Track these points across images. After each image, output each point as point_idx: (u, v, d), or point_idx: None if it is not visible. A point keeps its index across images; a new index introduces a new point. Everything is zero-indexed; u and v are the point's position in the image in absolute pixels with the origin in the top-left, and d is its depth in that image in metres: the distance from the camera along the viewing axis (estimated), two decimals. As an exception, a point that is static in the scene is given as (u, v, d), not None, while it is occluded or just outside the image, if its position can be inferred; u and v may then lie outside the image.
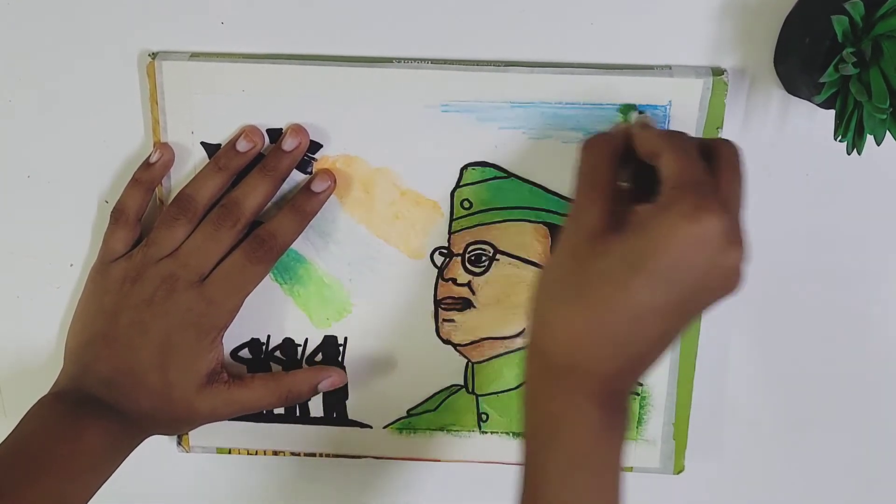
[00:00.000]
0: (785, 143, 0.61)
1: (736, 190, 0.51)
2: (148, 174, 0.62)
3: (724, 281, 0.49)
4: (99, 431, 0.59)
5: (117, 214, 0.63)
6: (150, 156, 0.62)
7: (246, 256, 0.61)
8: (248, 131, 0.61)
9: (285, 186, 0.62)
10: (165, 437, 0.68)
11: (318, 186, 0.62)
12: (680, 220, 0.47)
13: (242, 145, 0.61)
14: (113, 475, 0.60)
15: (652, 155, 0.52)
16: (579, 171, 0.54)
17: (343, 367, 0.67)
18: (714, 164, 0.51)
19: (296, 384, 0.65)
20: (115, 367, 0.61)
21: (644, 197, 0.52)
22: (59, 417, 0.59)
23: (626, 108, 0.60)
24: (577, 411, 0.51)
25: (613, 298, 0.49)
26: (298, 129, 0.61)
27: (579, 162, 0.54)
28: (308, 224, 0.62)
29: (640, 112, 0.60)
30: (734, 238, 0.48)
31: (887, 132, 0.53)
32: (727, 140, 0.53)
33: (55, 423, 0.59)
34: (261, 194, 0.61)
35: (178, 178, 0.63)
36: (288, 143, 0.61)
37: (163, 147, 0.62)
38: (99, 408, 0.60)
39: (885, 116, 0.51)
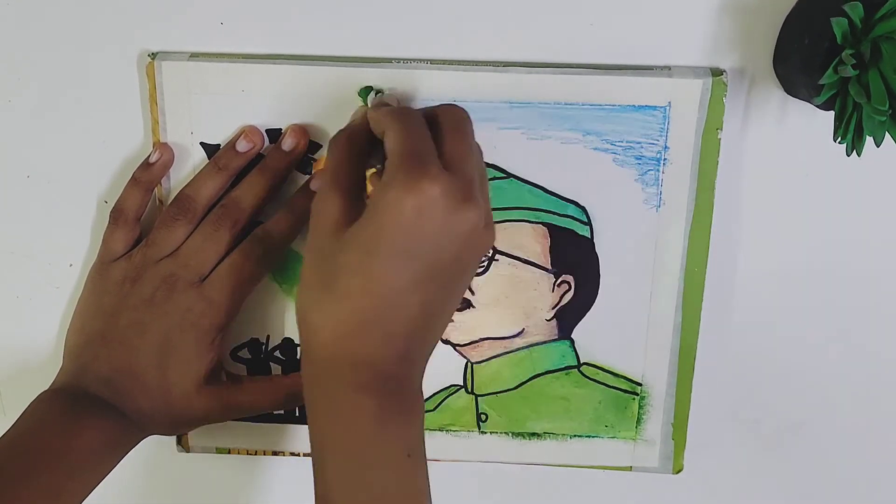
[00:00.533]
0: (785, 144, 0.61)
1: (461, 151, 0.51)
2: (147, 174, 0.62)
3: (469, 241, 0.50)
4: (97, 429, 0.59)
5: (116, 214, 0.63)
6: (149, 156, 0.62)
7: (245, 256, 0.61)
8: (248, 132, 0.61)
9: (286, 187, 0.62)
10: (166, 438, 0.68)
11: (316, 185, 0.62)
12: (400, 194, 0.48)
13: (242, 146, 0.61)
14: (113, 475, 0.60)
15: (381, 134, 0.52)
16: (325, 166, 0.55)
17: None
18: (438, 130, 0.52)
19: (293, 387, 0.65)
20: (113, 366, 0.61)
21: None
22: (57, 414, 0.60)
23: (365, 91, 0.59)
24: (351, 404, 0.51)
25: (361, 285, 0.50)
26: (298, 130, 0.61)
27: (327, 158, 0.55)
28: (304, 223, 0.62)
29: (378, 92, 0.59)
30: (462, 197, 0.48)
31: (886, 134, 0.53)
32: (451, 105, 0.54)
33: (53, 419, 0.59)
34: (259, 194, 0.61)
35: (178, 178, 0.63)
36: (287, 143, 0.61)
37: (162, 147, 0.62)
38: (97, 406, 0.60)
39: (884, 118, 0.51)
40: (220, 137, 0.62)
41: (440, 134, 0.52)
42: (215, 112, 0.61)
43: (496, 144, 0.61)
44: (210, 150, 0.62)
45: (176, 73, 0.60)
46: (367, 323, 0.50)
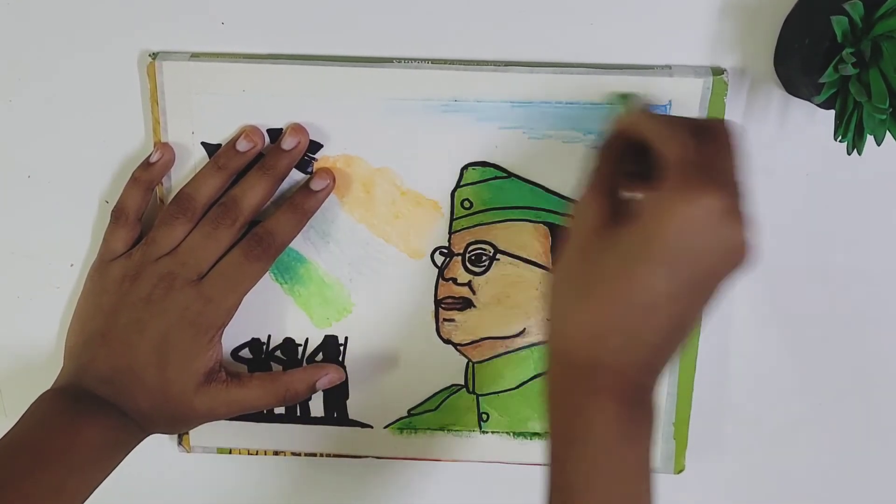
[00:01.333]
0: (785, 143, 0.61)
1: (730, 166, 0.51)
2: (147, 174, 0.62)
3: (730, 257, 0.49)
4: (97, 427, 0.59)
5: (117, 214, 0.63)
6: (150, 155, 0.62)
7: (244, 255, 0.61)
8: (249, 131, 0.61)
9: (286, 186, 0.63)
10: (166, 437, 0.68)
11: (317, 185, 0.62)
12: (673, 203, 0.48)
13: (242, 145, 0.61)
14: (115, 474, 0.60)
15: (647, 141, 0.52)
16: (588, 171, 0.54)
17: (344, 367, 0.67)
18: (708, 143, 0.51)
19: (293, 383, 0.65)
20: (113, 365, 0.61)
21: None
22: (58, 412, 0.60)
23: (622, 97, 0.59)
24: (599, 409, 0.51)
25: (621, 290, 0.49)
26: (298, 129, 0.61)
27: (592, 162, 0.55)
28: (307, 222, 0.62)
29: (630, 97, 0.59)
30: (732, 213, 0.48)
31: (887, 132, 0.53)
32: (720, 119, 0.54)
33: (54, 418, 0.59)
34: (259, 193, 0.61)
35: (179, 177, 0.63)
36: (287, 143, 0.61)
37: (163, 147, 0.62)
38: (98, 405, 0.60)
39: (884, 117, 0.51)
40: (221, 137, 0.62)
41: (710, 147, 0.51)
42: (216, 112, 0.61)
43: (497, 144, 0.61)
44: (211, 149, 0.62)
45: (177, 73, 0.60)
46: (620, 328, 0.50)
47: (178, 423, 0.64)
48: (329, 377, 0.65)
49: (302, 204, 0.62)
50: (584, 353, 0.51)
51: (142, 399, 0.62)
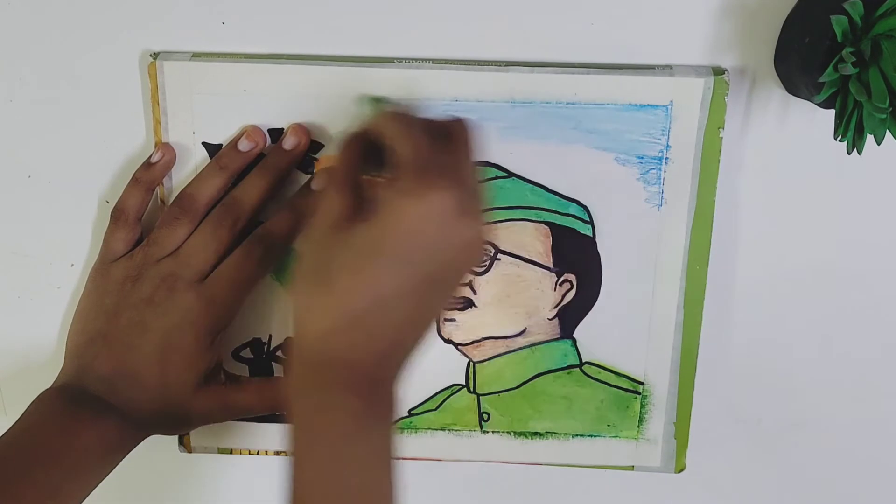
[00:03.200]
0: (785, 143, 0.62)
1: (464, 163, 0.52)
2: (149, 174, 0.62)
3: (464, 254, 0.50)
4: (97, 428, 0.59)
5: (117, 214, 0.63)
6: (151, 155, 0.62)
7: (245, 256, 0.61)
8: (250, 131, 0.61)
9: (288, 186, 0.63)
10: (167, 438, 0.68)
11: (317, 185, 0.62)
12: (406, 200, 0.49)
13: (244, 145, 0.61)
14: (115, 475, 0.60)
15: (384, 139, 0.53)
16: (332, 166, 0.55)
17: None
18: (443, 142, 0.52)
19: None
20: (114, 366, 0.61)
21: None
22: (57, 413, 0.60)
23: (374, 100, 0.60)
24: (335, 404, 0.51)
25: (356, 287, 0.50)
26: (299, 129, 0.61)
27: (336, 157, 0.55)
28: (304, 222, 0.62)
29: (382, 101, 0.60)
30: (465, 210, 0.49)
31: (887, 132, 0.53)
32: (458, 118, 0.54)
33: (53, 418, 0.59)
34: (261, 193, 0.61)
35: (180, 177, 0.63)
36: (288, 142, 0.61)
37: (164, 147, 0.62)
38: (97, 406, 0.60)
39: (884, 116, 0.52)
40: (221, 137, 0.62)
41: (448, 145, 0.52)
42: (217, 112, 0.61)
43: (498, 144, 0.61)
44: (212, 149, 0.62)
45: (178, 72, 0.60)
46: (354, 323, 0.51)
47: (177, 425, 0.64)
48: None
49: (304, 205, 0.62)
50: (320, 348, 0.51)
51: (142, 400, 0.61)
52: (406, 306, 0.51)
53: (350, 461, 0.51)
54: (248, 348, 0.67)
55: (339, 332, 0.51)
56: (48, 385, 0.62)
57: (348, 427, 0.51)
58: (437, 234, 0.49)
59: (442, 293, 0.53)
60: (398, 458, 0.52)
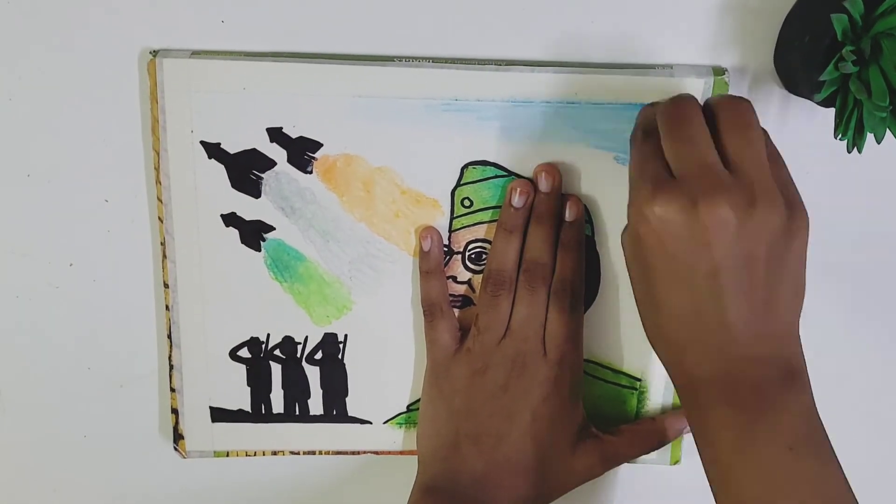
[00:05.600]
0: (785, 142, 0.61)
1: (743, 150, 0.51)
2: (433, 261, 0.63)
3: (776, 238, 0.50)
4: None
5: (431, 308, 0.64)
6: (422, 245, 0.63)
7: (560, 311, 0.62)
8: (518, 185, 0.61)
9: (289, 188, 0.63)
10: (163, 440, 0.68)
11: (570, 216, 0.62)
12: (686, 215, 0.49)
13: (518, 201, 0.62)
14: (112, 481, 0.60)
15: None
16: (638, 166, 0.54)
17: (343, 364, 0.67)
18: (718, 127, 0.52)
19: (662, 432, 0.66)
20: (487, 461, 0.62)
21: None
22: None
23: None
24: (716, 422, 0.52)
25: (670, 302, 0.52)
26: (549, 169, 0.61)
27: (634, 156, 0.55)
28: (583, 250, 0.63)
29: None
30: (749, 201, 0.49)
31: (887, 130, 0.53)
32: (732, 98, 0.53)
33: None
34: (549, 243, 0.62)
35: (180, 177, 0.62)
36: (543, 185, 0.61)
37: (428, 231, 0.63)
38: None
39: (884, 114, 0.52)
40: (220, 136, 0.62)
41: (720, 132, 0.51)
42: (216, 110, 0.61)
43: (497, 143, 0.61)
44: (210, 148, 0.62)
45: (177, 70, 0.60)
46: (688, 340, 0.52)
47: (553, 494, 0.64)
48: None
49: (570, 240, 0.62)
50: (677, 373, 0.54)
51: (520, 484, 0.63)
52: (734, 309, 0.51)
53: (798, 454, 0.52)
54: (246, 347, 0.66)
55: (682, 354, 0.53)
56: (47, 385, 0.62)
57: (734, 440, 0.52)
58: (729, 239, 0.49)
59: (782, 280, 0.52)
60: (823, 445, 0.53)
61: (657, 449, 0.67)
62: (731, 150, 0.51)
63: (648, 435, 0.66)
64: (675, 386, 0.55)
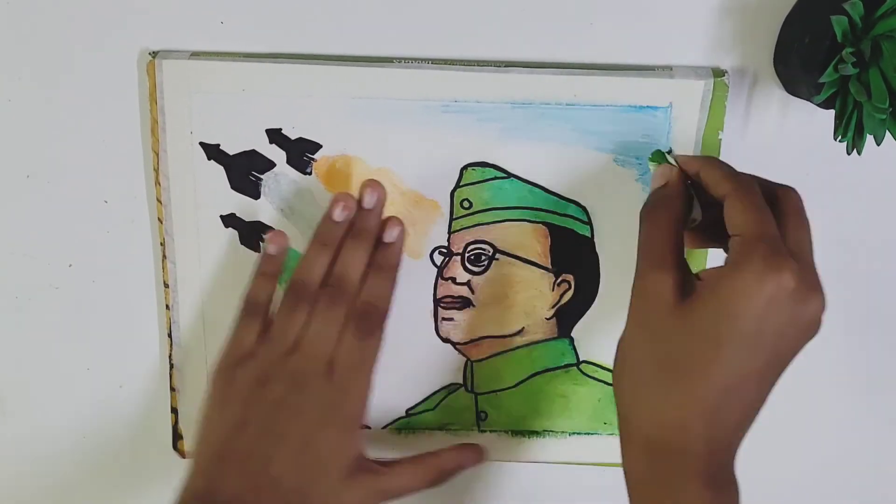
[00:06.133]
0: (785, 143, 0.62)
1: (804, 237, 0.51)
2: (272, 265, 0.62)
3: (808, 331, 0.50)
4: None
5: (251, 306, 0.62)
6: (266, 247, 0.62)
7: (356, 336, 0.60)
8: (341, 199, 0.60)
9: (287, 188, 0.63)
10: (162, 443, 0.68)
11: (389, 236, 0.62)
12: (754, 281, 0.48)
13: (339, 215, 0.61)
14: (111, 480, 0.59)
15: (718, 196, 0.52)
16: (643, 241, 0.54)
17: None
18: (779, 211, 0.51)
19: (445, 464, 0.63)
20: (249, 483, 0.57)
21: (712, 230, 0.53)
22: None
23: (660, 154, 0.58)
24: (689, 495, 0.50)
25: (704, 372, 0.49)
26: (372, 184, 0.61)
27: (642, 232, 0.54)
28: (397, 277, 0.62)
29: (670, 153, 0.59)
30: (810, 287, 0.48)
31: (887, 132, 0.53)
32: (790, 187, 0.53)
33: None
34: (360, 262, 0.61)
35: (179, 177, 0.62)
36: (367, 201, 0.61)
37: (276, 236, 0.62)
38: None
39: (884, 116, 0.52)
40: (219, 137, 0.62)
41: (782, 216, 0.51)
42: (215, 111, 0.61)
43: (497, 144, 0.61)
44: (209, 149, 0.62)
45: (176, 71, 0.60)
46: (708, 410, 0.50)
47: None
48: (474, 458, 0.65)
49: (385, 262, 0.61)
50: (669, 440, 0.51)
51: None
52: (753, 389, 0.50)
53: None
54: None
55: (688, 424, 0.50)
56: (46, 384, 0.62)
57: None
58: (784, 315, 0.48)
59: (781, 369, 0.51)
60: None
61: (438, 484, 0.63)
62: (792, 235, 0.51)
63: (428, 469, 0.63)
64: (634, 442, 0.53)
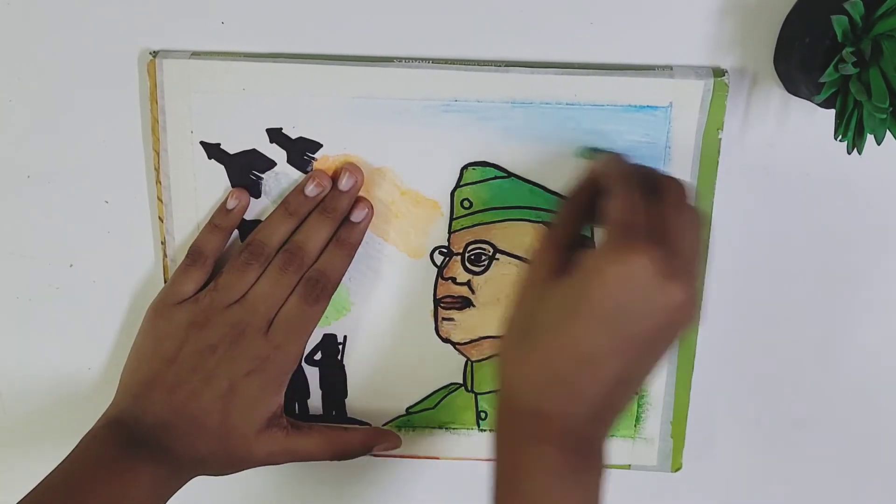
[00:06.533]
0: (785, 143, 0.62)
1: (680, 227, 0.52)
2: (227, 220, 0.63)
3: (673, 317, 0.50)
4: (149, 475, 0.59)
5: (195, 255, 0.63)
6: (226, 202, 0.63)
7: (303, 300, 0.62)
8: (316, 175, 0.62)
9: (283, 187, 0.63)
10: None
11: (357, 216, 0.62)
12: (606, 262, 0.49)
13: (311, 190, 0.62)
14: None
15: (607, 189, 0.54)
16: (552, 221, 0.57)
17: (342, 366, 0.67)
18: (659, 201, 0.52)
19: (352, 443, 0.65)
20: (174, 410, 0.61)
21: None
22: (111, 457, 0.59)
23: (589, 151, 0.60)
24: (539, 456, 0.52)
25: (558, 342, 0.51)
26: (353, 168, 0.61)
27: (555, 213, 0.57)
28: (354, 255, 0.63)
29: (597, 151, 0.60)
30: (670, 274, 0.49)
31: (887, 132, 0.53)
32: (675, 178, 0.55)
33: (106, 463, 0.59)
34: (322, 236, 0.62)
35: (179, 176, 0.62)
36: (344, 183, 0.61)
37: (238, 192, 0.62)
38: (152, 450, 0.60)
39: (884, 116, 0.52)
40: (219, 136, 0.62)
41: (662, 206, 0.52)
42: (215, 111, 0.61)
43: (498, 144, 0.61)
44: (210, 149, 0.62)
45: (177, 71, 0.60)
46: (558, 378, 0.51)
47: (232, 467, 0.64)
48: (386, 445, 0.67)
49: (347, 238, 0.62)
50: (527, 401, 0.53)
51: (200, 444, 0.61)
52: (614, 366, 0.51)
53: None
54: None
55: (543, 386, 0.52)
56: (46, 385, 0.62)
57: (553, 482, 0.52)
58: (639, 298, 0.49)
59: (653, 355, 0.52)
60: None
61: (341, 459, 0.65)
62: (666, 222, 0.52)
63: (335, 444, 0.65)
64: (500, 402, 0.55)
